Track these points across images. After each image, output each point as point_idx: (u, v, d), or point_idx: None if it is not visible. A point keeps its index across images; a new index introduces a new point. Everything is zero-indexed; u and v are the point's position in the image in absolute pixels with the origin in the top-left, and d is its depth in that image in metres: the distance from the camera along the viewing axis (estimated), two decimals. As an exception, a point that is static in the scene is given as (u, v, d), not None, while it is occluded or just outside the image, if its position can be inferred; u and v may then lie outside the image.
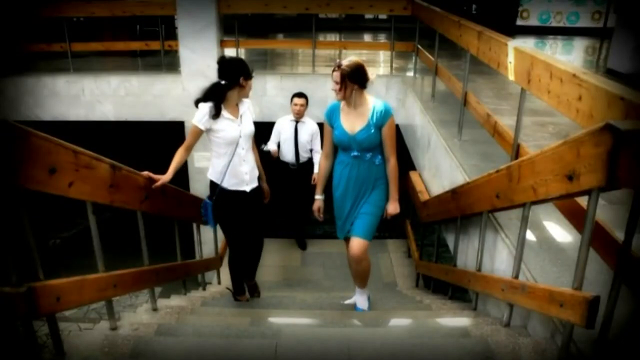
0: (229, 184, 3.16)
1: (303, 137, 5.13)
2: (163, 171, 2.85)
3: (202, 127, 2.97)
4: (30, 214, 1.62)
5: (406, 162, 5.19)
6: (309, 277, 5.38)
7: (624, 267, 1.52)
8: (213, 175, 3.19)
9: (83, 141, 2.17)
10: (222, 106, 2.99)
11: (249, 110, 3.18)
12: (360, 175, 3.06)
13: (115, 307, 2.37)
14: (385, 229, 7.32)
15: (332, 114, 3.04)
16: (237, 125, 3.05)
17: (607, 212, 2.42)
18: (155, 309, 2.95)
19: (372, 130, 2.91)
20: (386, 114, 2.92)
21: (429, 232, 4.82)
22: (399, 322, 2.95)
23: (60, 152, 1.74)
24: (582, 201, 1.81)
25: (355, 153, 3.00)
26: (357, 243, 3.12)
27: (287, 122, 5.16)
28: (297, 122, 5.09)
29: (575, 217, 2.01)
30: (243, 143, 3.11)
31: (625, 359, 1.72)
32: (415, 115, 5.13)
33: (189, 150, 3.06)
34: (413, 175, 4.84)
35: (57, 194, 1.76)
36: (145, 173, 2.62)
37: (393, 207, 3.12)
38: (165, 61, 6.36)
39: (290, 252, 5.81)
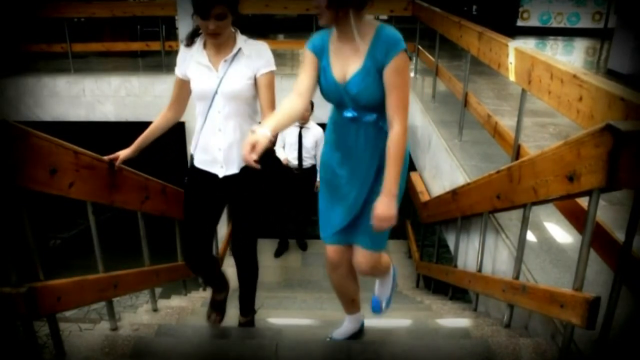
0: (199, 159, 2.28)
1: (307, 143, 5.11)
2: (164, 171, 2.85)
3: (177, 73, 2.25)
4: (30, 214, 1.62)
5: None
6: (309, 277, 5.37)
7: (625, 267, 1.52)
8: (192, 144, 2.36)
9: (83, 142, 2.18)
10: (203, 47, 2.16)
11: (252, 63, 2.14)
12: (362, 148, 1.89)
13: (116, 308, 2.37)
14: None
15: (319, 47, 1.88)
16: (214, 76, 2.13)
17: (607, 213, 2.42)
18: (155, 310, 2.95)
19: (372, 76, 1.76)
20: (392, 47, 1.73)
21: (430, 232, 4.82)
22: (399, 322, 2.95)
23: (60, 153, 1.74)
24: (583, 202, 1.81)
25: (351, 113, 1.85)
26: (366, 256, 2.05)
27: (291, 127, 5.14)
28: (301, 127, 5.07)
29: (576, 218, 2.01)
30: (221, 104, 2.15)
31: (625, 359, 1.72)
32: (415, 115, 5.12)
33: (171, 110, 2.32)
34: (413, 176, 4.84)
35: (58, 194, 1.76)
36: (106, 157, 2.17)
37: (382, 207, 1.75)
38: (166, 62, 6.36)
39: (290, 253, 5.82)
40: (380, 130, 1.84)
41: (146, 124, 2.22)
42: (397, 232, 6.08)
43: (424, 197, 4.28)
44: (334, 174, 1.99)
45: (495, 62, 3.00)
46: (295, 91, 1.89)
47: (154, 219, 2.78)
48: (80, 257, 3.63)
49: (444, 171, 3.85)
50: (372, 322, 2.98)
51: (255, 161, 1.66)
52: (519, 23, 10.44)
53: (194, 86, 2.18)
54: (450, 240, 3.57)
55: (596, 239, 1.72)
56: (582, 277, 1.64)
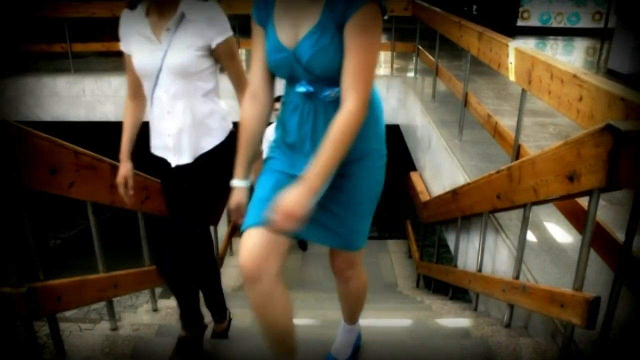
0: (153, 144, 1.95)
1: None
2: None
3: (123, 48, 1.88)
4: (30, 214, 1.62)
5: (406, 163, 5.20)
6: (309, 277, 5.37)
7: (625, 267, 1.52)
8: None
9: (83, 141, 2.18)
10: (145, 14, 1.77)
11: (202, 31, 1.74)
12: (320, 135, 1.37)
13: (116, 308, 2.37)
14: (385, 230, 7.35)
15: (263, 8, 1.44)
16: (157, 49, 1.75)
17: (607, 213, 2.42)
18: (155, 310, 2.95)
19: (329, 35, 1.31)
20: None
21: (430, 232, 4.82)
22: (399, 322, 2.95)
23: (60, 153, 1.74)
24: (583, 202, 1.81)
25: (304, 88, 1.40)
26: (344, 256, 1.71)
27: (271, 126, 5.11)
28: None
29: (576, 218, 2.01)
30: (167, 82, 1.78)
31: (625, 359, 1.72)
32: (415, 115, 5.12)
33: (133, 99, 1.97)
34: (414, 176, 4.84)
35: (58, 194, 1.76)
36: (120, 181, 1.97)
37: (289, 198, 1.27)
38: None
39: (290, 253, 5.82)
40: None
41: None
42: (397, 232, 6.09)
43: (424, 197, 4.28)
44: (283, 158, 1.52)
45: (495, 62, 3.00)
46: (250, 92, 1.51)
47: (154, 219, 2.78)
48: (80, 257, 3.64)
49: (444, 171, 3.86)
50: (372, 322, 2.98)
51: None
52: (519, 23, 10.43)
53: (134, 62, 1.81)
54: (450, 240, 3.57)
55: (596, 239, 1.72)
56: (582, 277, 1.64)
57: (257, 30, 1.46)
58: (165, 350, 2.00)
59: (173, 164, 1.89)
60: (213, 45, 1.77)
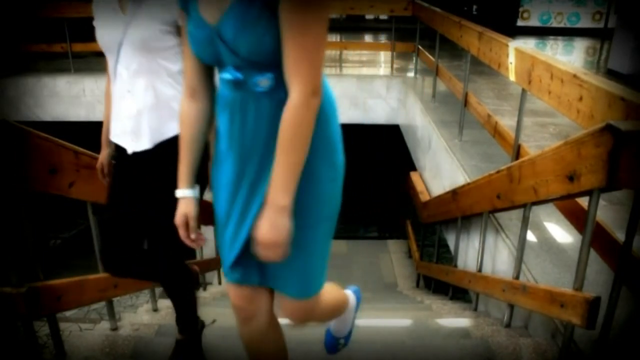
0: (113, 130, 1.74)
1: None
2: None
3: (94, 23, 1.72)
4: (30, 214, 1.62)
5: (406, 163, 5.20)
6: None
7: (625, 267, 1.52)
8: None
9: (83, 142, 2.18)
10: None
11: (172, 4, 1.57)
12: (250, 132, 1.21)
13: (116, 308, 2.37)
14: (385, 230, 7.35)
15: None
16: (120, 20, 1.61)
17: (607, 213, 2.42)
18: (155, 310, 2.95)
19: (256, 9, 1.08)
20: None
21: (430, 232, 4.82)
22: (399, 322, 2.95)
23: (60, 153, 1.74)
24: (583, 202, 1.81)
25: (231, 75, 1.17)
26: (292, 307, 1.37)
27: None
28: None
29: (576, 218, 2.01)
30: (128, 57, 1.62)
31: (625, 359, 1.72)
32: (415, 115, 5.12)
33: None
34: (414, 176, 4.84)
35: (58, 194, 1.76)
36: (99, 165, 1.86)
37: (264, 226, 1.13)
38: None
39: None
40: (281, 104, 1.13)
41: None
42: (397, 232, 6.09)
43: (424, 197, 4.28)
44: (219, 170, 1.31)
45: (496, 62, 3.00)
46: (187, 90, 1.32)
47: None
48: (80, 257, 3.63)
49: (444, 171, 3.86)
50: (372, 322, 2.98)
51: (197, 239, 1.32)
52: (519, 23, 10.44)
53: (97, 34, 1.65)
54: (451, 240, 3.57)
55: (596, 238, 1.72)
56: (582, 277, 1.64)
57: (184, 18, 1.24)
58: (165, 350, 2.00)
59: (130, 150, 1.67)
60: (180, 22, 1.47)
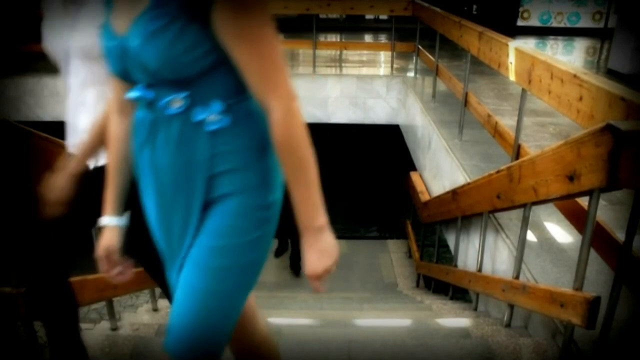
0: (70, 143, 1.57)
1: None
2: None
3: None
4: (30, 214, 1.62)
5: (406, 163, 5.20)
6: (309, 277, 5.37)
7: (625, 267, 1.52)
8: None
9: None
10: None
11: None
12: (164, 161, 1.05)
13: (116, 308, 2.37)
14: (385, 230, 7.35)
15: None
16: (65, 28, 1.46)
17: (607, 213, 2.42)
18: (155, 309, 2.95)
19: (168, 16, 0.93)
20: None
21: (430, 232, 4.82)
22: (400, 322, 2.95)
23: (61, 153, 1.74)
24: (583, 202, 1.81)
25: (139, 92, 1.03)
26: None
27: None
28: None
29: (576, 218, 2.01)
30: (75, 66, 1.48)
31: (625, 359, 1.72)
32: (415, 115, 5.12)
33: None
34: (414, 176, 4.85)
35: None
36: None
37: (311, 256, 1.03)
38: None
39: (290, 253, 5.82)
40: (197, 129, 1.01)
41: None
42: (397, 232, 6.09)
43: (424, 197, 4.28)
44: (148, 206, 1.15)
45: (496, 62, 3.00)
46: (115, 105, 1.16)
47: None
48: (80, 257, 3.62)
49: (444, 171, 3.86)
50: (372, 322, 2.98)
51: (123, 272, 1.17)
52: (519, 23, 10.43)
53: (44, 41, 1.50)
54: (451, 240, 3.57)
55: (596, 238, 1.72)
56: (582, 276, 1.64)
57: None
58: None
59: (91, 166, 1.53)
60: None
